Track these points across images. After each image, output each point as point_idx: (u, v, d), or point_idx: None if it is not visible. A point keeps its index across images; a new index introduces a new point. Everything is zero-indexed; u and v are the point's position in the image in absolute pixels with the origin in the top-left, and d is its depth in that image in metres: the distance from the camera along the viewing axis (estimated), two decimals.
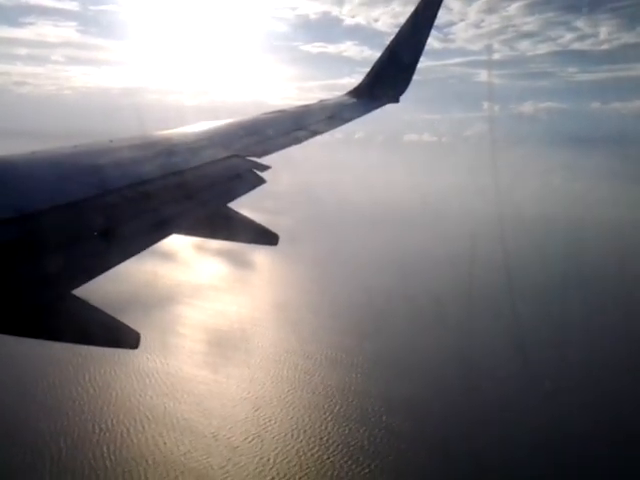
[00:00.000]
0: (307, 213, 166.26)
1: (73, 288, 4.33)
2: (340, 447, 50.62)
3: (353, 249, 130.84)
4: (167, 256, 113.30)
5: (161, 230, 5.78)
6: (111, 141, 7.39)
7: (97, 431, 51.93)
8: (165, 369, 65.87)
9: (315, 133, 10.97)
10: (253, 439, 51.83)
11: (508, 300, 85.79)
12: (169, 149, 7.91)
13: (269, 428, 53.86)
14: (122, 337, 4.53)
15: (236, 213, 7.02)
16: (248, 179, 8.10)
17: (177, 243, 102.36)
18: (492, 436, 51.87)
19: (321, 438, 51.96)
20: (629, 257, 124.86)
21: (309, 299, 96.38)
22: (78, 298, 4.31)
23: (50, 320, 4.12)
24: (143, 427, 52.90)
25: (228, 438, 51.77)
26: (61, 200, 5.17)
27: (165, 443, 50.56)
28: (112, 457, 48.21)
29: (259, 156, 8.78)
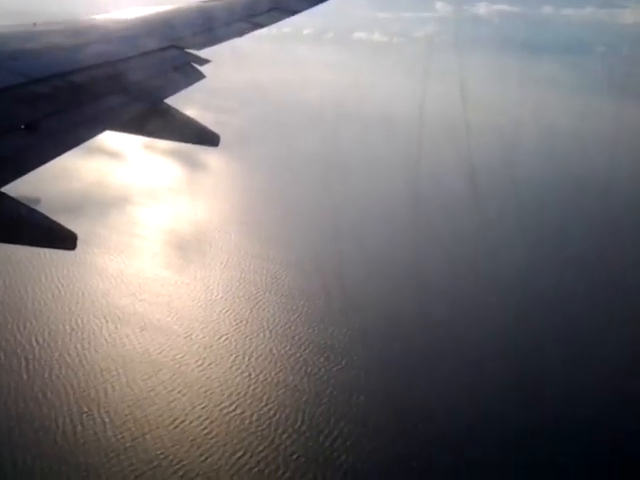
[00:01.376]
0: (255, 111, 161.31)
1: (2, 185, 4.11)
2: (310, 345, 53.25)
3: (304, 149, 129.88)
4: (115, 155, 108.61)
5: (94, 125, 5.48)
6: (35, 24, 6.75)
7: (67, 330, 51.97)
8: (129, 270, 65.44)
9: (258, 25, 10.32)
10: (226, 339, 53.52)
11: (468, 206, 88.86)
12: (101, 36, 7.36)
13: (240, 328, 55.59)
14: (58, 237, 4.42)
15: (174, 110, 6.66)
16: (187, 73, 7.61)
17: (124, 141, 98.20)
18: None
19: (293, 337, 54.32)
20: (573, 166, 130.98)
21: (266, 201, 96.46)
22: (9, 197, 4.14)
23: None
24: (115, 327, 53.32)
25: (201, 338, 53.20)
26: None
27: (139, 342, 51.45)
28: (86, 355, 48.78)
29: (198, 48, 8.22)
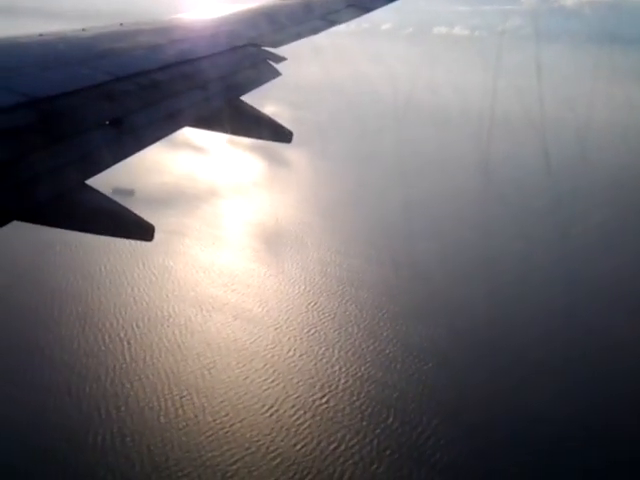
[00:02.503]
0: (334, 107, 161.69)
1: (86, 178, 4.25)
2: (398, 343, 52.83)
3: (383, 144, 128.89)
4: (201, 150, 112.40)
5: (173, 122, 5.61)
6: (121, 25, 7.05)
7: (165, 316, 54.27)
8: (220, 261, 67.48)
9: (334, 23, 10.21)
10: (314, 331, 54.12)
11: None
12: (182, 36, 7.59)
13: (327, 321, 55.97)
14: (136, 228, 4.46)
15: (249, 107, 6.72)
16: (263, 71, 7.71)
17: (209, 137, 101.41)
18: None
19: (380, 333, 54.13)
20: None
21: (345, 196, 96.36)
22: (92, 189, 4.25)
23: (64, 209, 4.04)
24: (209, 315, 55.20)
25: (291, 330, 54.11)
26: (72, 86, 4.99)
27: (232, 331, 53.00)
28: (182, 341, 50.77)
29: (275, 46, 8.31)
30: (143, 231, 4.42)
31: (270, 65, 7.83)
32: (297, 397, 44.22)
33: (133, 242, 68.72)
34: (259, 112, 6.76)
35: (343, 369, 48.17)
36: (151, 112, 5.43)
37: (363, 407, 43.68)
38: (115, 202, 4.34)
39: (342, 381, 46.72)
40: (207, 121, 6.25)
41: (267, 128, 6.80)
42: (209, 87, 6.45)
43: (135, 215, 4.36)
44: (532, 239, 75.41)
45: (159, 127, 5.37)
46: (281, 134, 6.90)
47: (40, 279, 58.83)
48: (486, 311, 57.65)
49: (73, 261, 63.27)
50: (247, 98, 6.74)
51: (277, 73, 7.79)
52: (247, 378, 45.94)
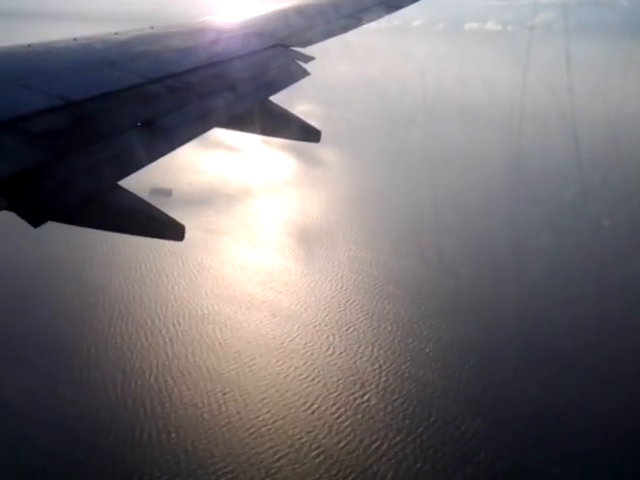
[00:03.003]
0: (364, 105, 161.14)
1: (119, 179, 4.29)
2: (438, 341, 52.35)
3: (413, 141, 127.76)
4: (234, 149, 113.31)
5: (203, 123, 5.65)
6: (152, 28, 7.13)
7: (205, 314, 54.91)
8: (257, 259, 67.96)
9: (363, 21, 10.18)
10: (353, 329, 54.00)
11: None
12: (211, 38, 7.61)
13: (365, 319, 55.82)
14: (167, 228, 4.52)
15: (278, 107, 6.71)
16: (292, 71, 7.72)
17: (242, 137, 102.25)
18: None
19: (420, 332, 53.65)
20: None
21: (379, 194, 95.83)
22: (124, 189, 4.28)
23: (97, 210, 4.08)
24: (248, 313, 55.66)
25: (329, 327, 54.15)
26: (105, 89, 5.07)
27: (271, 329, 53.34)
28: (222, 338, 51.29)
29: (304, 46, 8.31)
30: (174, 231, 4.53)
31: (299, 65, 7.87)
32: (337, 395, 44.25)
33: (172, 241, 70.14)
34: (288, 112, 6.83)
35: (383, 367, 48.00)
36: (182, 113, 5.53)
37: (405, 405, 43.45)
38: (146, 203, 4.39)
39: (382, 379, 46.57)
40: (237, 122, 6.35)
41: (296, 128, 6.88)
42: (238, 88, 6.53)
43: (166, 215, 4.46)
44: (563, 233, 73.69)
45: (190, 128, 5.47)
46: (310, 134, 6.99)
47: (82, 277, 60.17)
48: (516, 306, 56.65)
49: (114, 260, 64.54)
50: (276, 98, 6.81)
51: (306, 73, 7.82)
52: (287, 376, 46.18)
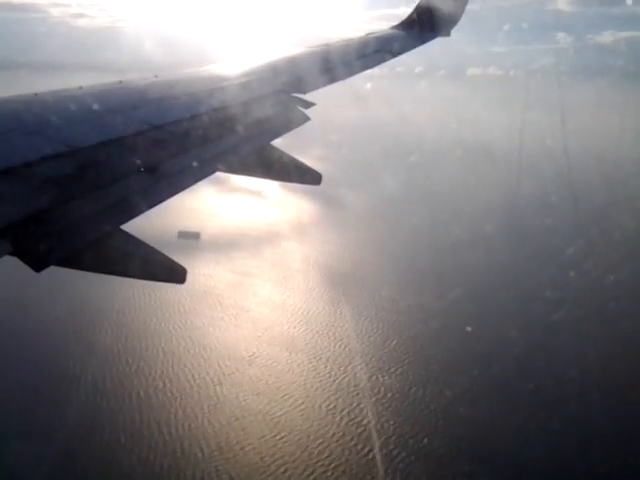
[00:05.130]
0: (370, 149, 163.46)
1: (122, 223, 4.40)
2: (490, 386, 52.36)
3: (425, 184, 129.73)
4: (256, 193, 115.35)
5: (205, 167, 5.79)
6: (156, 76, 7.38)
7: (249, 355, 55.11)
8: (292, 301, 68.38)
9: (362, 68, 10.43)
10: (397, 368, 54.16)
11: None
12: (213, 85, 7.85)
13: (412, 363, 55.95)
14: (169, 272, 4.52)
15: (280, 152, 6.93)
16: (293, 116, 7.94)
17: (262, 183, 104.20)
18: None
19: (463, 370, 53.78)
20: None
21: (397, 234, 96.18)
22: (127, 233, 4.37)
23: (100, 254, 4.16)
24: (292, 355, 55.85)
25: (374, 368, 54.22)
26: (109, 136, 5.27)
27: (315, 371, 53.39)
28: (268, 380, 51.35)
29: (304, 92, 8.54)
30: (176, 274, 4.50)
31: (300, 111, 8.15)
32: (390, 437, 44.08)
33: (209, 283, 70.67)
34: (289, 156, 7.03)
35: (438, 409, 47.79)
36: (184, 159, 5.68)
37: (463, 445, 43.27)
38: (149, 246, 4.43)
39: (435, 420, 46.36)
40: (239, 166, 6.57)
41: (297, 171, 7.05)
42: (240, 133, 6.77)
43: (169, 259, 4.45)
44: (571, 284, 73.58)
45: (192, 173, 5.60)
46: (311, 177, 7.15)
47: (121, 321, 60.62)
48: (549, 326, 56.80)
49: (152, 302, 65.09)
50: (278, 143, 7.07)
51: (307, 118, 8.09)
52: (338, 417, 46.07)
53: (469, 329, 59.78)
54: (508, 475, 40.78)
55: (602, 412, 45.99)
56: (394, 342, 59.24)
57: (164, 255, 4.45)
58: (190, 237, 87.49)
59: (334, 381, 51.76)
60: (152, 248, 4.43)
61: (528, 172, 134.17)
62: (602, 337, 57.72)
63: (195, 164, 5.70)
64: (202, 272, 74.67)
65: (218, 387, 49.72)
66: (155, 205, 4.88)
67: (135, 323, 59.94)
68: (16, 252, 3.63)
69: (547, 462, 41.64)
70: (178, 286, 66.94)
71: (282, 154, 6.98)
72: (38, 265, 3.74)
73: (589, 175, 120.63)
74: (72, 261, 4.04)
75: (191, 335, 58.34)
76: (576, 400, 47.76)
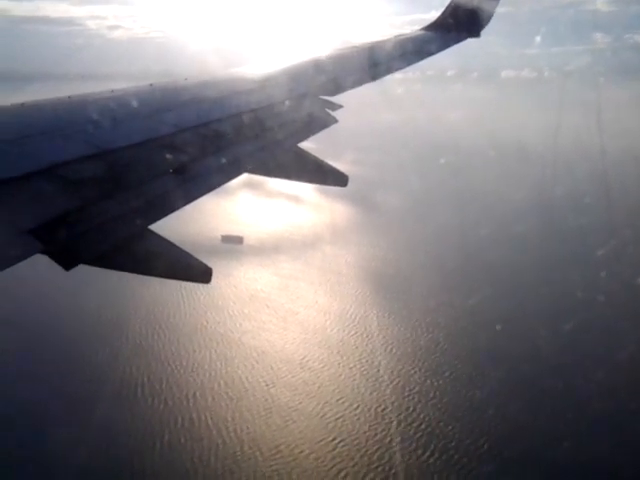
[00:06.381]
0: (406, 150, 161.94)
1: (150, 223, 4.41)
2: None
3: (460, 187, 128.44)
4: (293, 197, 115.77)
5: (233, 169, 5.78)
6: (186, 79, 7.36)
7: (300, 359, 55.21)
8: (337, 305, 68.13)
9: (390, 70, 10.24)
10: (447, 372, 53.58)
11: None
12: (241, 88, 7.77)
13: (457, 366, 55.31)
14: (195, 272, 4.50)
15: (307, 153, 6.86)
16: (320, 119, 7.87)
17: (298, 187, 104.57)
18: None
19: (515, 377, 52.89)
20: None
21: (434, 235, 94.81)
22: (154, 233, 4.37)
23: (128, 254, 4.15)
24: (342, 358, 55.74)
25: (427, 373, 53.74)
26: (140, 138, 5.26)
27: (367, 377, 53.12)
28: (322, 384, 51.32)
29: (333, 94, 8.46)
30: (202, 274, 4.51)
31: (327, 113, 8.13)
32: (455, 443, 43.55)
33: (255, 286, 71.16)
34: (316, 158, 7.02)
35: (483, 407, 47.12)
36: (212, 160, 5.68)
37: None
38: (175, 246, 4.43)
39: (500, 426, 45.52)
40: (266, 167, 6.55)
41: (324, 173, 7.07)
42: (268, 135, 6.81)
43: (195, 259, 4.45)
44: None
45: (220, 174, 5.62)
46: (338, 178, 7.18)
47: (173, 324, 61.36)
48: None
49: (201, 305, 65.78)
50: (305, 145, 7.02)
51: (334, 120, 8.07)
52: (400, 423, 45.69)
53: (498, 327, 59.20)
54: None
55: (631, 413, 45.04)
56: (444, 346, 58.64)
57: (191, 255, 4.45)
58: (234, 241, 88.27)
59: (388, 385, 51.44)
60: (179, 248, 4.43)
61: (563, 174, 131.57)
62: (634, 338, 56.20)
63: (223, 165, 5.74)
64: (248, 276, 75.27)
65: (272, 389, 49.88)
66: (184, 205, 4.90)
67: (186, 326, 60.62)
68: (46, 251, 3.67)
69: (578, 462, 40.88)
70: (226, 289, 68.21)
71: (309, 156, 6.98)
72: (68, 264, 3.79)
73: (625, 176, 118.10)
74: (100, 260, 4.08)
75: (241, 338, 58.73)
76: (605, 400, 46.89)
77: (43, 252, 3.68)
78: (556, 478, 40.42)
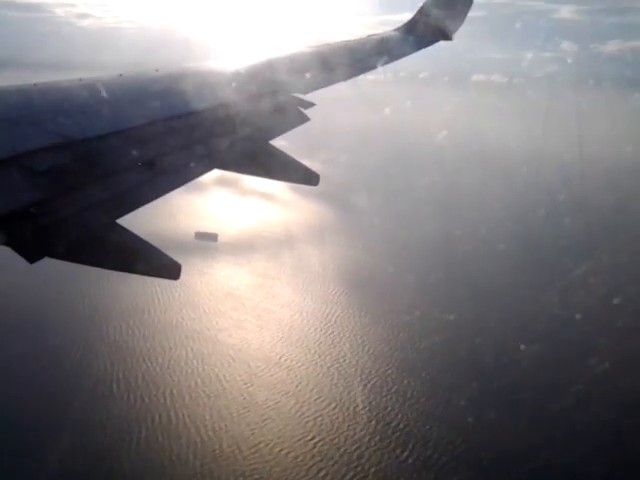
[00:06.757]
0: (376, 152, 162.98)
1: (118, 217, 4.35)
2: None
3: (433, 186, 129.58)
4: (269, 197, 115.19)
5: (203, 164, 5.76)
6: (157, 70, 7.30)
7: (276, 357, 55.07)
8: (312, 304, 67.98)
9: (363, 69, 10.26)
10: (425, 373, 54.26)
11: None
12: (213, 81, 7.77)
13: (443, 368, 56.01)
14: (164, 267, 4.45)
15: (277, 151, 6.87)
16: (292, 116, 7.84)
17: (272, 185, 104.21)
18: None
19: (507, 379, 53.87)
20: None
21: (409, 240, 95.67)
22: (122, 227, 4.32)
23: (94, 247, 4.12)
24: (319, 358, 55.84)
25: (406, 373, 54.33)
26: (108, 129, 5.22)
27: (344, 372, 53.36)
28: (300, 383, 51.31)
29: (305, 92, 8.44)
30: (171, 270, 4.44)
31: (299, 111, 8.03)
32: (432, 442, 44.11)
33: (230, 284, 70.60)
34: (287, 156, 6.93)
35: (460, 407, 47.84)
36: (183, 155, 5.61)
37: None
38: (144, 241, 4.35)
39: (460, 416, 46.25)
40: (236, 164, 6.50)
41: (295, 171, 6.97)
42: (239, 131, 6.70)
43: (164, 254, 4.38)
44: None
45: (190, 169, 5.55)
46: (308, 177, 7.07)
47: (147, 320, 60.40)
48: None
49: (175, 302, 64.91)
50: (276, 142, 6.97)
51: (306, 118, 7.97)
52: (378, 423, 46.05)
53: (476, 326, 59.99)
54: None
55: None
56: (422, 346, 59.29)
57: (159, 250, 4.37)
58: (208, 238, 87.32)
59: (366, 385, 51.77)
60: (148, 243, 4.35)
61: (532, 177, 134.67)
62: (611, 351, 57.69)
63: (193, 160, 5.66)
64: (223, 273, 74.61)
65: (250, 388, 49.64)
66: (152, 200, 4.81)
67: (161, 323, 59.73)
68: (10, 243, 3.61)
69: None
70: (201, 287, 67.42)
71: (280, 153, 6.89)
72: (32, 256, 3.72)
73: (592, 181, 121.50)
74: (66, 254, 3.99)
75: (217, 335, 58.23)
76: (581, 410, 48.16)
77: (6, 244, 3.59)
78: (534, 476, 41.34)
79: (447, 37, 13.45)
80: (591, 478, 41.26)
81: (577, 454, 43.19)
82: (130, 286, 64.60)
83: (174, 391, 47.86)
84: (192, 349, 55.05)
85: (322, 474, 40.22)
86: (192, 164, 5.60)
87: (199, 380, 50.00)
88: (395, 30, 13.41)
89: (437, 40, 13.26)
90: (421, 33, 13.11)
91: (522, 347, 58.57)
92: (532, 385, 52.53)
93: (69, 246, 3.95)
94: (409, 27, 13.27)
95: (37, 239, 3.75)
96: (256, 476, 39.45)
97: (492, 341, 60.15)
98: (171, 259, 4.40)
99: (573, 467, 41.93)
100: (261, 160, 6.69)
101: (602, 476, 41.21)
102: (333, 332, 61.84)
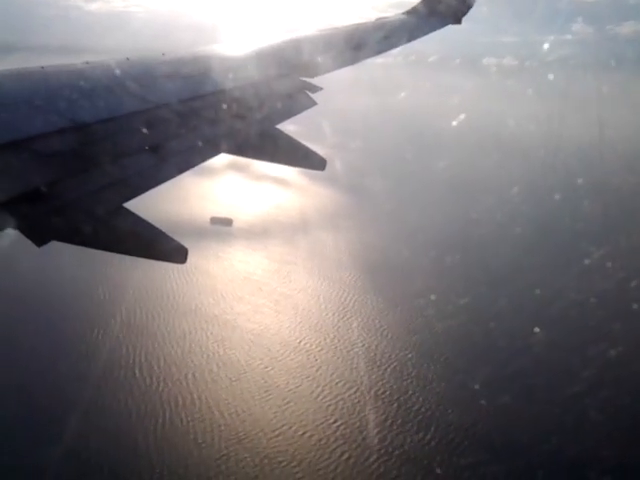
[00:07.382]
0: (387, 136, 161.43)
1: (125, 201, 4.33)
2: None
3: (444, 170, 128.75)
4: (282, 182, 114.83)
5: (210, 148, 5.73)
6: (163, 54, 7.22)
7: (294, 341, 55.36)
8: (329, 290, 68.08)
9: (372, 53, 10.21)
10: (444, 358, 54.34)
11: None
12: (219, 65, 7.67)
13: (463, 354, 56.06)
14: (170, 251, 4.43)
15: (285, 135, 6.81)
16: (299, 100, 7.75)
17: (284, 170, 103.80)
18: None
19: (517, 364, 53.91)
20: None
21: (424, 221, 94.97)
22: (129, 211, 4.30)
23: (101, 231, 4.12)
24: (337, 342, 56.05)
25: (424, 358, 54.44)
26: (114, 112, 5.18)
27: (365, 356, 53.55)
28: (320, 368, 51.59)
29: (312, 76, 8.33)
30: (177, 254, 4.42)
31: (307, 94, 7.94)
32: (449, 425, 44.37)
33: (247, 269, 70.76)
34: (294, 140, 6.89)
35: (479, 393, 47.94)
36: (189, 139, 5.59)
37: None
38: (151, 225, 4.33)
39: (480, 402, 46.45)
40: (243, 148, 6.45)
41: (301, 156, 6.92)
42: (245, 115, 6.65)
43: (171, 238, 4.37)
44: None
45: (196, 153, 5.54)
46: (315, 162, 7.05)
47: (166, 304, 60.74)
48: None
49: (193, 287, 65.15)
50: (283, 126, 6.90)
51: (313, 102, 7.89)
52: (400, 407, 46.26)
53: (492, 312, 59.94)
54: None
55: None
56: (440, 331, 59.30)
57: (166, 234, 4.36)
58: (223, 223, 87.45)
59: (386, 369, 51.92)
60: (155, 227, 4.33)
61: (549, 160, 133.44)
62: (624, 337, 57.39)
63: (199, 144, 5.63)
64: (239, 258, 74.75)
65: (270, 371, 49.94)
66: (159, 184, 4.78)
67: (180, 307, 60.05)
68: (18, 226, 3.61)
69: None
70: (218, 272, 67.56)
71: (287, 137, 6.85)
72: (40, 240, 3.73)
73: (604, 167, 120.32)
74: (73, 237, 4.02)
75: (236, 320, 58.48)
76: (594, 395, 48.08)
77: (15, 227, 3.58)
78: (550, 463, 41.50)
79: (457, 21, 13.30)
80: (603, 463, 41.21)
81: (590, 439, 43.29)
82: (146, 271, 64.78)
83: (196, 374, 48.23)
84: (212, 333, 55.36)
85: (345, 457, 40.52)
86: (199, 148, 5.58)
87: (220, 363, 50.35)
88: (404, 13, 13.30)
89: (447, 23, 13.13)
90: (431, 16, 13.01)
91: (536, 330, 58.55)
92: (546, 369, 52.64)
93: (75, 230, 3.97)
94: (418, 10, 13.15)
95: (45, 222, 3.76)
96: (280, 458, 39.81)
97: (506, 325, 60.29)
98: (178, 243, 4.37)
99: (585, 451, 41.99)
100: (267, 144, 6.65)
101: (614, 461, 41.21)
102: (350, 317, 61.96)
